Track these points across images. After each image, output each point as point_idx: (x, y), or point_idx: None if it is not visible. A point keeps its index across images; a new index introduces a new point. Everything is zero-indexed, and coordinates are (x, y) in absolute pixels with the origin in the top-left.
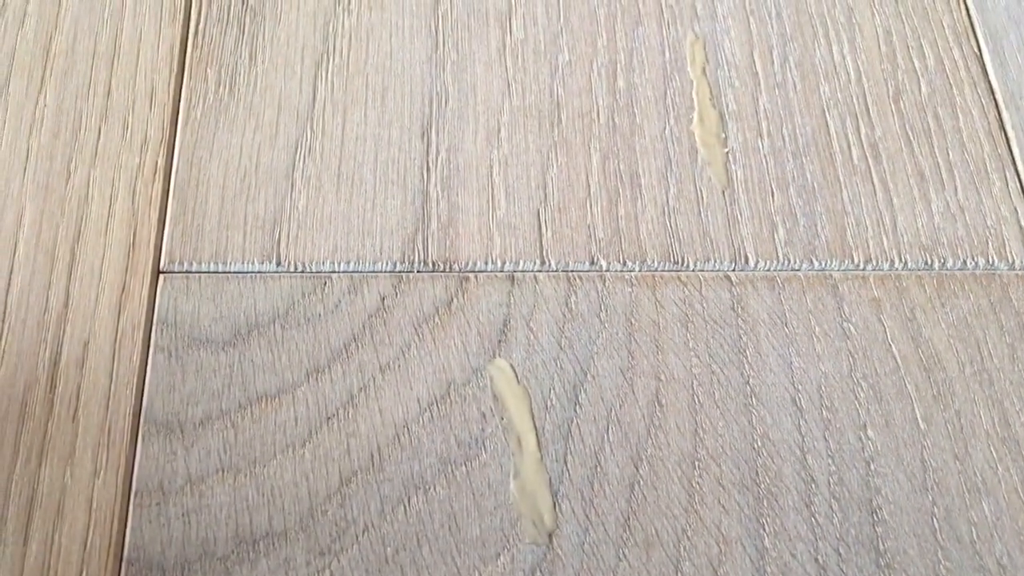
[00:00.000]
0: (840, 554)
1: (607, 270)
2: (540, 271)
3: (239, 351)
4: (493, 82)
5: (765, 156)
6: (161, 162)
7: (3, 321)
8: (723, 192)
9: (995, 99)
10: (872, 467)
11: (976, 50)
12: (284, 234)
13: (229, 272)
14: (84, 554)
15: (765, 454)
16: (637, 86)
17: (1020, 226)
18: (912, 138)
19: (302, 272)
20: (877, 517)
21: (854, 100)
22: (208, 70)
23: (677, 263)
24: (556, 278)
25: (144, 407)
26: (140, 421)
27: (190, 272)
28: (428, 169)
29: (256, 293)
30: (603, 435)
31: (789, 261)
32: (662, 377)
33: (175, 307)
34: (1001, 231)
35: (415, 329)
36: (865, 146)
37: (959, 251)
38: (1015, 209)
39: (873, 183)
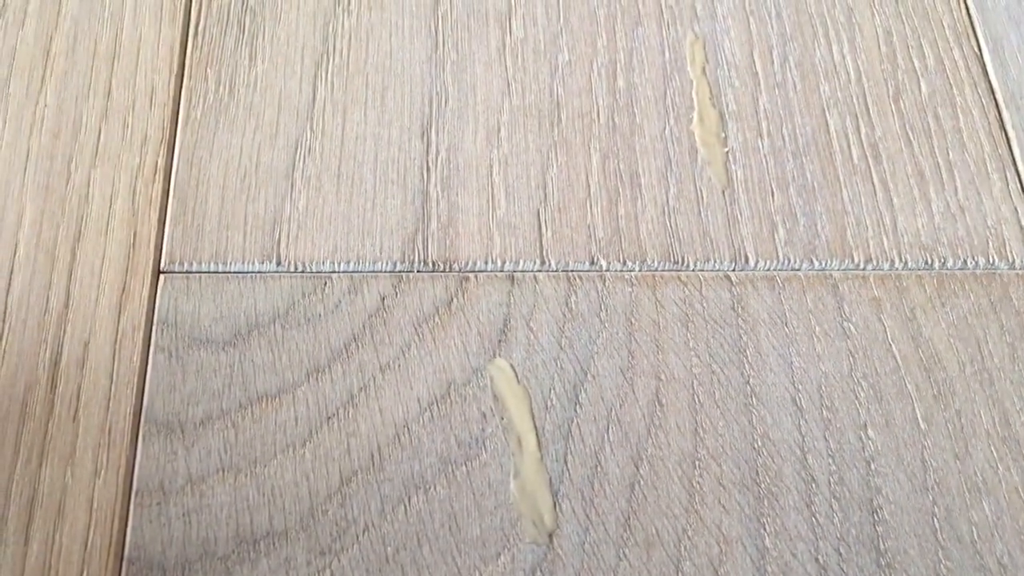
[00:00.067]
0: (841, 554)
1: (607, 270)
2: (540, 271)
3: (239, 351)
4: (493, 82)
5: (765, 156)
6: (161, 162)
7: (3, 321)
8: (723, 192)
9: (995, 99)
10: (872, 467)
11: (976, 50)
12: (284, 234)
13: (229, 272)
14: (85, 554)
15: (765, 454)
16: (637, 86)
17: (1020, 226)
18: (912, 138)
19: (302, 272)
20: (878, 517)
21: (854, 100)
22: (208, 70)
23: (677, 263)
24: (556, 278)
25: (144, 407)
26: (140, 421)
27: (190, 272)
28: (428, 169)
29: (256, 293)
30: (603, 435)
31: (789, 261)
32: (662, 377)
33: (175, 307)
34: (1001, 231)
35: (415, 329)
36: (865, 146)
37: (959, 251)
38: (1015, 209)
39: (873, 183)
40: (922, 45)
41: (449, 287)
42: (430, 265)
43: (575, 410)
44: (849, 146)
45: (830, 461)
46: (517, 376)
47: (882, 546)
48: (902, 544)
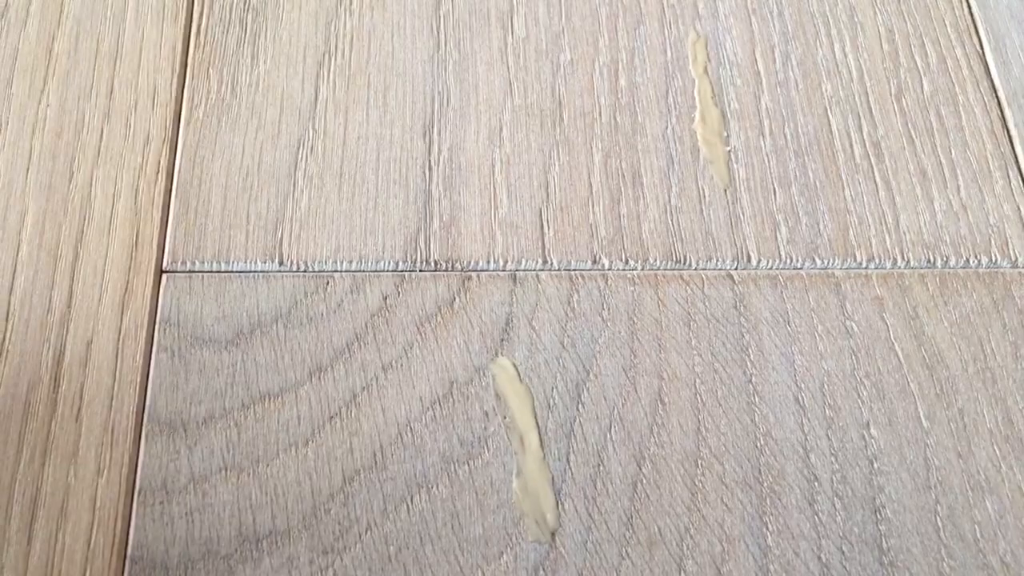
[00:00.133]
0: (843, 552)
1: (609, 269)
2: (542, 270)
3: (242, 350)
4: (495, 81)
5: (767, 155)
6: (164, 162)
7: (7, 321)
8: (725, 191)
9: (997, 97)
10: (875, 465)
11: (978, 48)
12: (286, 233)
13: (232, 271)
14: (88, 553)
15: (768, 452)
16: (639, 85)
17: (1023, 224)
18: (914, 136)
19: (304, 271)
20: (880, 515)
21: (856, 98)
22: (210, 70)
23: (679, 262)
24: (558, 277)
25: (147, 406)
26: (143, 420)
27: (193, 271)
28: (430, 168)
29: (259, 292)
30: (606, 434)
31: (791, 259)
32: (665, 376)
33: (178, 306)
34: (1004, 229)
35: (417, 328)
36: (867, 144)
37: (962, 249)
38: (1018, 207)
39: (875, 181)
40: (924, 43)
41: (451, 286)
42: (432, 264)
43: (577, 409)
44: (851, 145)
45: (833, 460)
46: (519, 375)
47: (885, 545)
48: (905, 543)
